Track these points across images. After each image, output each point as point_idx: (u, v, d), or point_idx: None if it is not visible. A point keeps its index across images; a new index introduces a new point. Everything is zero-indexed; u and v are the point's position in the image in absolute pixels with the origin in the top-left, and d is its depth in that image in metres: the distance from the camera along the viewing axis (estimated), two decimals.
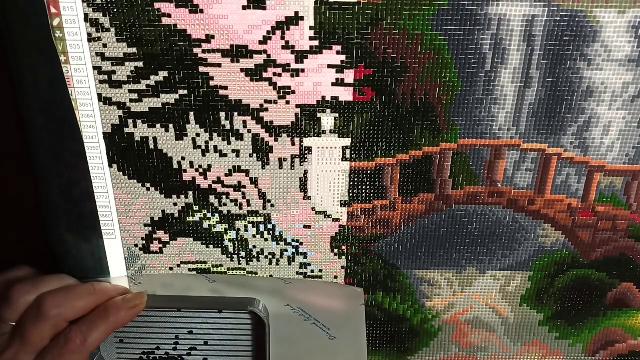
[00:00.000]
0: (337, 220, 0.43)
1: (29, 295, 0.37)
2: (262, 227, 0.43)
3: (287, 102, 0.39)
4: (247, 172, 0.41)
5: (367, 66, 0.38)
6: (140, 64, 0.38)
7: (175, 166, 0.41)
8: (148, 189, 0.42)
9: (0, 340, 0.37)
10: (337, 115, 0.39)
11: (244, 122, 0.40)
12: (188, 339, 0.46)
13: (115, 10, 0.36)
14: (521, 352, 0.49)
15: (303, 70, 0.38)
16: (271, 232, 0.44)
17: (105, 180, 0.41)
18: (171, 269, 0.45)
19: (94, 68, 0.38)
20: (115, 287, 0.41)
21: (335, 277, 0.45)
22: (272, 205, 0.43)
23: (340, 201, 0.42)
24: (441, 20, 0.36)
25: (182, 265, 0.45)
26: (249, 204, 0.43)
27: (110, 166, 0.41)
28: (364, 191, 0.42)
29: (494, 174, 0.42)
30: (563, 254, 0.45)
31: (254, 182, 0.42)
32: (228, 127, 0.40)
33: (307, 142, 0.40)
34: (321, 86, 0.39)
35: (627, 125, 0.40)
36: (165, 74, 0.38)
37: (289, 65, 0.38)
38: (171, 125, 0.40)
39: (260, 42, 0.37)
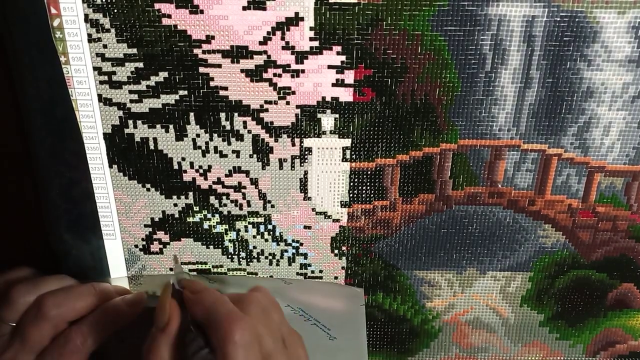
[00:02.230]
0: (337, 220, 0.43)
1: (29, 295, 0.37)
2: (262, 228, 0.43)
3: (287, 103, 0.39)
4: (247, 172, 0.41)
5: (367, 67, 0.38)
6: (141, 65, 0.38)
7: (176, 167, 0.41)
8: (148, 190, 0.42)
9: (1, 340, 0.37)
10: (337, 115, 0.39)
11: (244, 122, 0.40)
12: None
13: (116, 10, 0.36)
14: (521, 352, 0.49)
15: (303, 71, 0.38)
16: (271, 232, 0.44)
17: (106, 181, 0.41)
18: (171, 269, 0.45)
19: (94, 69, 0.38)
20: (116, 287, 0.41)
21: (336, 278, 0.45)
22: (272, 206, 0.43)
23: (341, 202, 0.42)
24: (441, 21, 0.36)
25: (182, 266, 0.45)
26: (249, 205, 0.43)
27: (111, 166, 0.41)
28: (364, 192, 0.42)
29: (494, 175, 0.41)
30: (563, 254, 0.45)
31: (254, 182, 0.42)
32: (228, 127, 0.40)
33: (307, 142, 0.40)
34: (321, 87, 0.39)
35: (627, 125, 0.40)
36: (166, 74, 0.38)
37: (289, 65, 0.38)
38: (171, 126, 0.40)
39: (260, 43, 0.37)
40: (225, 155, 0.41)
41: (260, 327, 0.33)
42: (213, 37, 0.37)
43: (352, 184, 0.42)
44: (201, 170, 0.41)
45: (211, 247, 0.44)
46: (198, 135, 0.40)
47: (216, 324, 0.32)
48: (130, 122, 0.39)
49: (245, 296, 0.35)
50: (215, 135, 0.40)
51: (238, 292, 0.36)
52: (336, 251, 0.44)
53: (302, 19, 0.36)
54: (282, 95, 0.39)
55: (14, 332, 0.37)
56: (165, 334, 0.33)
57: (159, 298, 0.34)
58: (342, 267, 0.45)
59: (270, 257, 0.45)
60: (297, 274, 0.45)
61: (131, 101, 0.39)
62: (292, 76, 0.38)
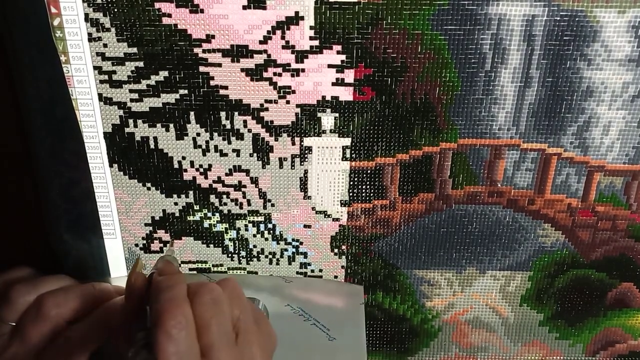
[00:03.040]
0: (337, 219, 0.43)
1: (28, 295, 0.37)
2: (262, 227, 0.43)
3: (287, 102, 0.39)
4: (247, 171, 0.41)
5: (367, 66, 0.38)
6: (141, 64, 0.38)
7: (176, 166, 0.41)
8: (148, 189, 0.42)
9: (0, 340, 0.37)
10: (337, 114, 0.39)
11: (244, 121, 0.40)
12: None
13: (116, 10, 0.36)
14: (521, 352, 0.49)
15: (303, 70, 0.38)
16: (271, 231, 0.44)
17: (106, 180, 0.41)
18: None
19: (94, 68, 0.38)
20: (116, 287, 0.41)
21: (335, 277, 0.45)
22: (273, 205, 0.43)
23: (340, 201, 0.42)
24: (441, 20, 0.36)
25: (182, 265, 0.45)
26: (249, 204, 0.43)
27: (111, 166, 0.41)
28: (364, 191, 0.42)
29: (493, 174, 0.42)
30: (563, 253, 0.45)
31: (254, 181, 0.42)
32: (228, 126, 0.40)
33: (307, 141, 0.40)
34: (321, 86, 0.39)
35: (627, 125, 0.40)
36: (166, 73, 0.38)
37: (289, 64, 0.38)
38: (171, 125, 0.40)
39: (261, 42, 0.37)
40: (226, 154, 0.41)
41: (207, 317, 0.32)
42: (213, 36, 0.37)
43: (352, 183, 0.42)
44: (201, 169, 0.41)
45: (211, 245, 0.44)
46: (198, 134, 0.40)
47: (156, 308, 0.31)
48: (131, 121, 0.39)
49: (202, 285, 0.34)
50: (215, 134, 0.40)
51: (202, 282, 0.35)
52: (336, 250, 0.44)
53: (302, 18, 0.36)
54: (282, 94, 0.39)
55: (13, 331, 0.37)
56: (124, 309, 0.34)
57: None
58: (342, 266, 0.45)
59: (270, 256, 0.45)
60: (297, 273, 0.45)
61: (131, 100, 0.39)
62: (292, 75, 0.38)
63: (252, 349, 0.34)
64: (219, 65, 0.38)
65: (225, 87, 0.38)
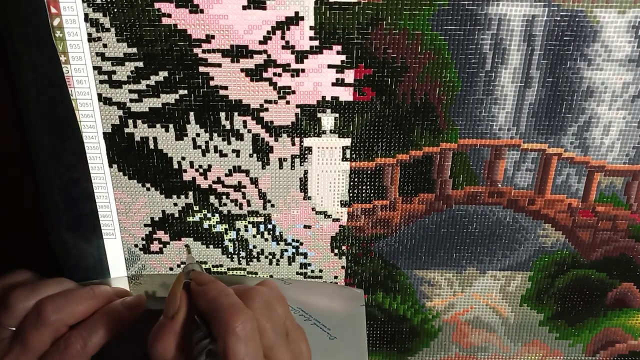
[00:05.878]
0: (337, 220, 0.43)
1: (27, 300, 0.37)
2: (262, 227, 0.43)
3: (287, 102, 0.39)
4: (247, 172, 0.41)
5: (367, 66, 0.38)
6: (140, 64, 0.38)
7: (176, 166, 0.41)
8: (148, 189, 0.42)
9: (1, 344, 0.37)
10: (337, 115, 0.39)
11: (244, 122, 0.40)
12: None
13: (115, 10, 0.36)
14: (521, 352, 0.49)
15: (303, 70, 0.38)
16: (271, 232, 0.44)
17: (105, 180, 0.41)
18: (171, 269, 0.45)
19: (94, 68, 0.38)
20: (115, 289, 0.41)
21: (336, 277, 0.45)
22: (272, 205, 0.43)
23: (341, 201, 0.42)
24: (441, 20, 0.36)
25: (182, 266, 0.45)
26: (249, 204, 0.42)
27: (110, 166, 0.41)
28: (364, 191, 0.42)
29: (494, 174, 0.42)
30: (563, 254, 0.45)
31: (254, 182, 0.42)
32: (228, 127, 0.40)
33: (307, 142, 0.40)
34: (321, 86, 0.39)
35: (627, 125, 0.40)
36: (165, 74, 0.38)
37: (289, 65, 0.38)
38: (171, 125, 0.40)
39: (260, 42, 0.37)
40: (225, 155, 0.41)
41: (263, 320, 0.34)
42: (213, 37, 0.37)
43: (352, 183, 0.42)
44: (201, 170, 0.41)
45: (211, 246, 0.44)
46: (198, 135, 0.40)
47: (218, 315, 0.32)
48: (130, 121, 0.39)
49: (250, 289, 0.36)
50: (215, 134, 0.40)
51: (244, 285, 0.36)
52: (336, 250, 0.44)
53: (302, 18, 0.36)
54: (282, 94, 0.39)
55: (14, 336, 0.37)
56: (173, 322, 0.34)
57: (171, 287, 0.35)
58: (342, 267, 0.45)
59: (270, 257, 0.45)
60: (297, 273, 0.45)
61: (131, 100, 0.39)
62: (292, 75, 0.38)
63: (301, 345, 0.36)
64: (219, 65, 0.38)
65: (225, 88, 0.38)
